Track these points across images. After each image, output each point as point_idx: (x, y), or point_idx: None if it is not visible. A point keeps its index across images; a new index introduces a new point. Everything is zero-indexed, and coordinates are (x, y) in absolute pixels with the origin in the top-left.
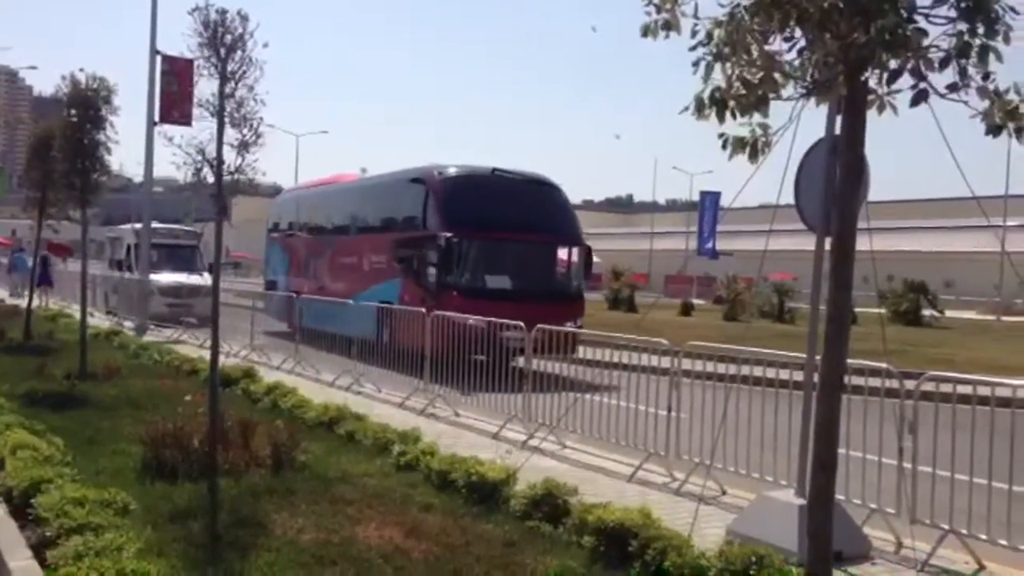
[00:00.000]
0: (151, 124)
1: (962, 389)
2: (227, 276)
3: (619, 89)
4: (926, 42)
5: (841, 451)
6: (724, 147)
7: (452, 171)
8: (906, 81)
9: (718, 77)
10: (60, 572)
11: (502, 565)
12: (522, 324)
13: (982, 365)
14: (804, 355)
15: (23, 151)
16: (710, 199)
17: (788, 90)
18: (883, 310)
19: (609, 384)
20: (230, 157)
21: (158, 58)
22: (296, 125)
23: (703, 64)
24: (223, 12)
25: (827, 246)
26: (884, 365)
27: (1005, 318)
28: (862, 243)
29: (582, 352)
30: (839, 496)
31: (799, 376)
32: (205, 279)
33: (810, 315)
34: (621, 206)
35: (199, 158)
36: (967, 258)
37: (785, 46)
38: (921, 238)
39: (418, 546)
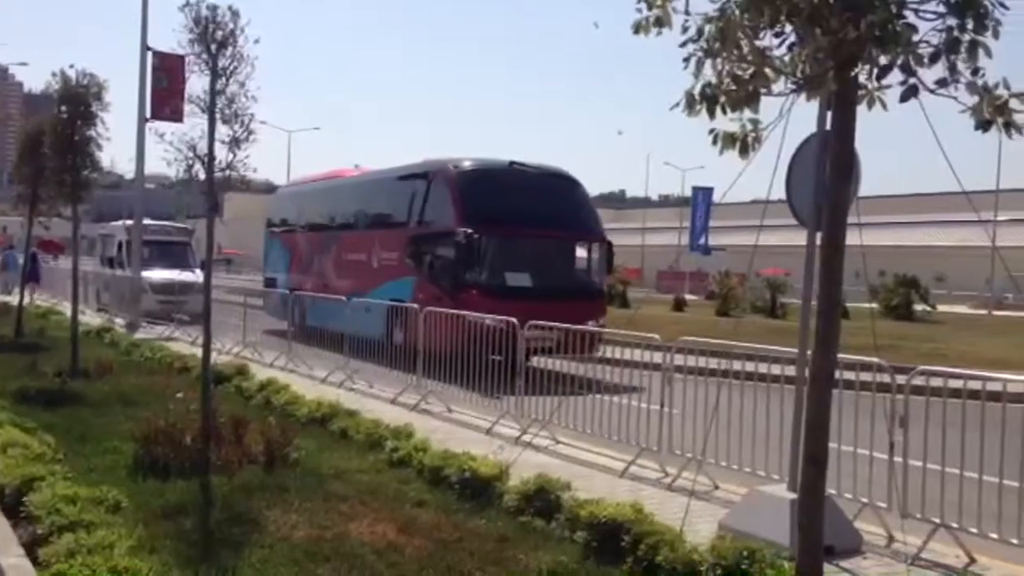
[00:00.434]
0: (142, 120)
1: (953, 383)
2: (219, 273)
3: (612, 85)
4: (916, 37)
5: (832, 445)
6: (715, 143)
7: (468, 165)
8: (896, 76)
9: (709, 73)
10: (52, 569)
11: (495, 560)
12: (549, 324)
13: (973, 359)
14: (796, 350)
15: (14, 148)
16: (702, 195)
17: (779, 86)
18: (874, 305)
19: (603, 380)
20: (221, 153)
21: (149, 54)
22: (288, 122)
23: (694, 60)
24: (214, 8)
25: (819, 241)
26: (875, 360)
27: (996, 312)
28: (853, 238)
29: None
30: (830, 490)
31: (791, 371)
32: (197, 276)
33: (802, 310)
34: (614, 201)
35: (190, 154)
36: (958, 253)
37: (775, 42)
38: (913, 233)
39: (411, 542)
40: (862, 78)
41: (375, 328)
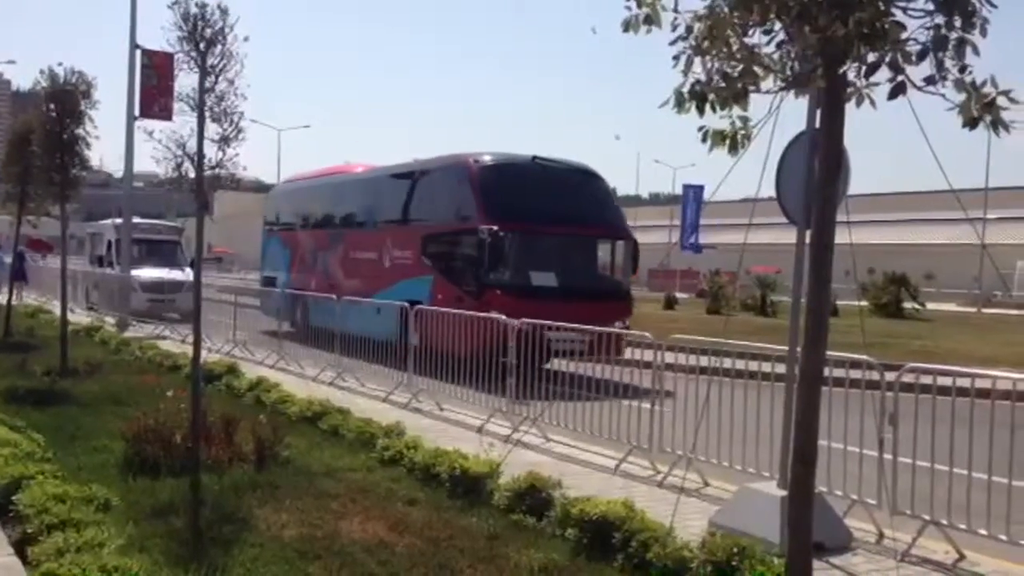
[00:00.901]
0: (131, 119)
1: (942, 381)
2: (209, 272)
3: (603, 82)
4: (904, 35)
5: (823, 443)
6: (704, 140)
7: (490, 159)
8: (884, 74)
9: (698, 71)
10: (42, 568)
11: (486, 558)
12: (576, 325)
13: (962, 357)
14: (786, 348)
15: (1, 146)
16: (693, 192)
17: (768, 83)
18: (864, 303)
19: (596, 378)
20: (211, 152)
21: (138, 52)
22: (277, 120)
23: (683, 58)
24: (203, 5)
25: (808, 239)
26: (865, 357)
27: (985, 310)
28: (842, 236)
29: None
30: (820, 488)
31: (781, 369)
32: (186, 274)
33: (791, 308)
34: None
35: (180, 153)
36: (948, 251)
37: (764, 39)
38: (902, 231)
39: (402, 540)
40: (851, 75)
41: (386, 329)
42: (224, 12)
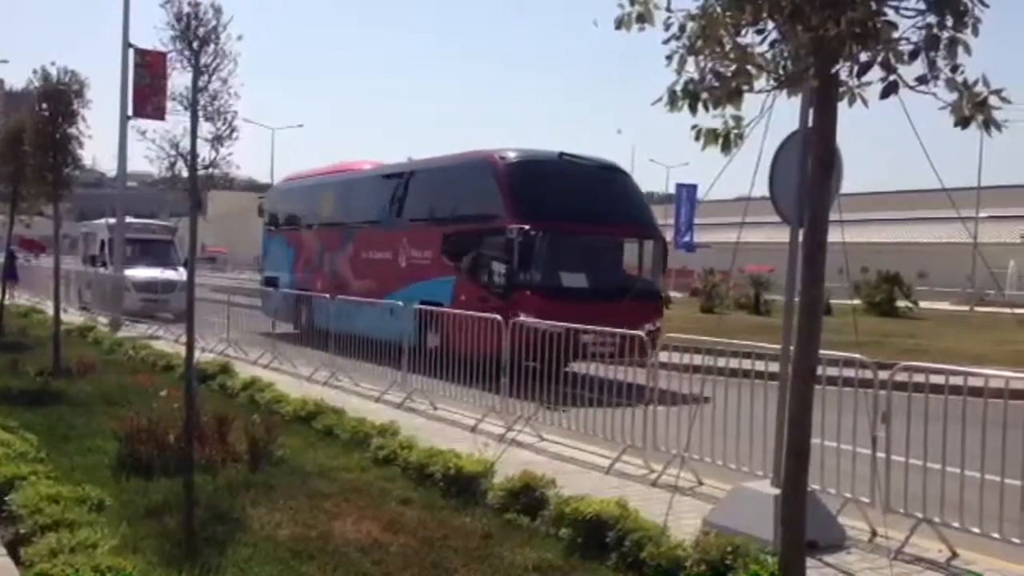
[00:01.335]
0: (124, 118)
1: (935, 379)
2: (203, 271)
3: (605, 81)
4: (896, 34)
5: (816, 441)
6: (697, 139)
7: (516, 156)
8: (876, 73)
9: (691, 70)
10: (35, 569)
11: (480, 557)
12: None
13: (955, 355)
14: (780, 346)
15: None
16: (686, 191)
17: (760, 82)
18: (857, 301)
19: (590, 377)
20: (204, 151)
21: (131, 51)
22: (274, 119)
23: (676, 57)
24: (196, 4)
25: (801, 238)
26: (858, 356)
27: (978, 309)
28: (835, 235)
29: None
30: (813, 486)
31: (775, 367)
32: (180, 274)
33: (785, 306)
34: None
35: (173, 152)
36: (940, 250)
37: (757, 39)
38: (895, 230)
39: (396, 539)
40: (843, 75)
41: (399, 330)
42: (217, 11)
